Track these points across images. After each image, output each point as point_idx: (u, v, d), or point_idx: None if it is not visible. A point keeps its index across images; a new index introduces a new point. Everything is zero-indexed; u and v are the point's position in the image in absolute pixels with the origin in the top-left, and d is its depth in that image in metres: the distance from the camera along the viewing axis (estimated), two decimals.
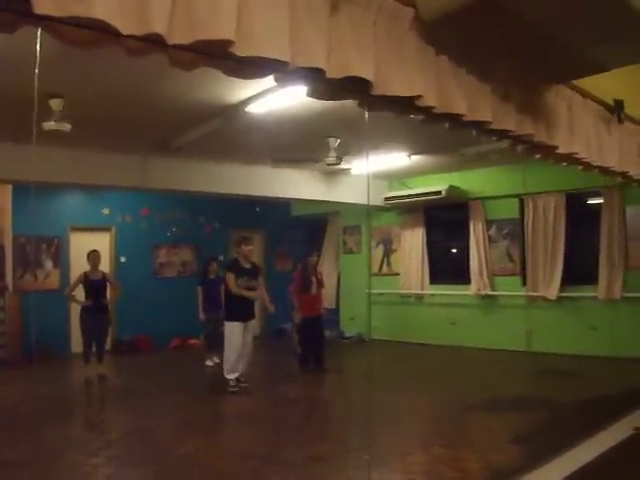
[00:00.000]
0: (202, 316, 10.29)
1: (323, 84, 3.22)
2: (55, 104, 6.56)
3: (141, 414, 7.42)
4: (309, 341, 9.99)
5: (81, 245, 11.36)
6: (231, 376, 8.19)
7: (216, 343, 9.31)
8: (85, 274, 8.94)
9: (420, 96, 3.43)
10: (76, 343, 10.93)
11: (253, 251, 8.90)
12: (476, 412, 7.16)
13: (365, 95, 3.31)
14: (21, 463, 5.42)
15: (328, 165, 9.53)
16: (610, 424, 6.17)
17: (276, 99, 6.74)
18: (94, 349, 8.91)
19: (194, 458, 5.62)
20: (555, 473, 4.95)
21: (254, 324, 8.62)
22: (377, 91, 3.22)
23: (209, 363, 10.24)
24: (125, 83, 6.15)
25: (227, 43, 2.50)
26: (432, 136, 8.07)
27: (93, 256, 9.07)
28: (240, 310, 8.23)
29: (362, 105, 3.69)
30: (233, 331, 8.14)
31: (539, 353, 10.41)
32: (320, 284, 10.20)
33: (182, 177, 10.25)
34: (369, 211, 13.80)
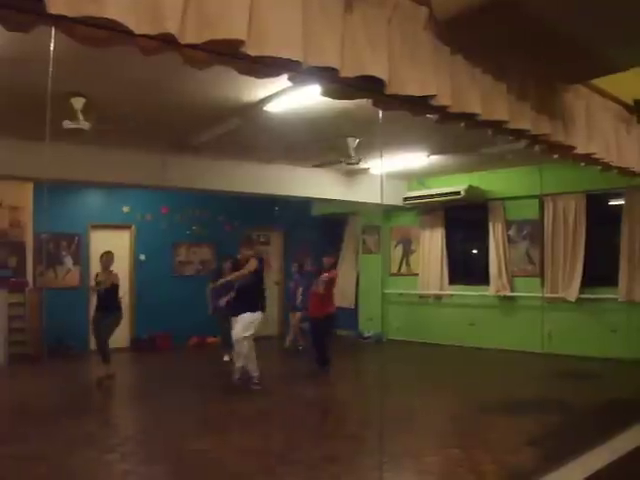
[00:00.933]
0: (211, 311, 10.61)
1: (337, 83, 3.22)
2: (76, 102, 6.62)
3: (157, 411, 7.47)
4: (313, 341, 9.94)
5: (101, 243, 11.46)
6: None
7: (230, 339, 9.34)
8: (96, 276, 9.24)
9: (434, 95, 3.42)
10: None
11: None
12: (492, 414, 7.14)
13: (379, 94, 3.29)
14: (37, 458, 5.47)
15: (348, 165, 9.53)
16: (628, 428, 6.10)
17: (294, 98, 6.74)
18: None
19: (209, 455, 5.65)
20: (570, 477, 4.92)
21: (249, 318, 8.43)
22: (391, 90, 3.21)
23: (226, 358, 10.26)
24: (144, 82, 6.18)
25: (239, 43, 2.50)
26: (451, 136, 8.05)
27: (106, 258, 9.22)
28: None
29: (377, 105, 3.68)
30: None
31: (558, 355, 10.33)
32: (328, 284, 9.88)
33: (201, 176, 10.28)
34: (385, 211, 13.80)
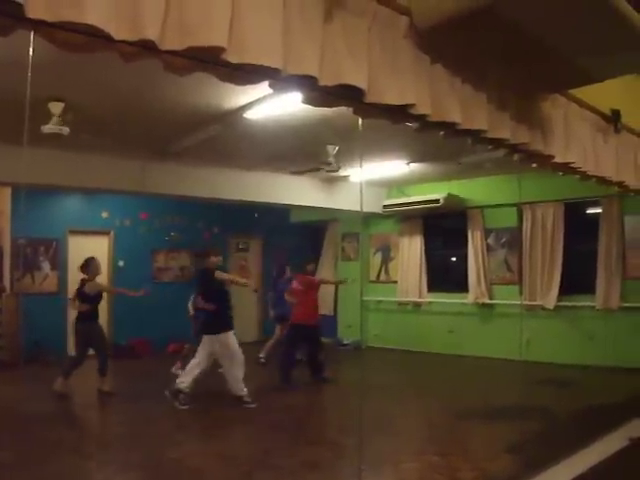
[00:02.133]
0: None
1: (317, 91, 3.23)
2: (54, 107, 6.57)
3: (134, 418, 7.42)
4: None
5: (79, 248, 11.38)
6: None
7: None
8: (82, 282, 8.69)
9: (414, 104, 3.44)
10: (73, 346, 10.96)
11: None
12: (471, 420, 7.17)
13: (359, 103, 3.31)
14: (14, 465, 5.41)
15: (327, 172, 9.54)
16: (606, 434, 6.15)
17: (274, 105, 6.74)
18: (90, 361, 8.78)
19: (186, 463, 5.63)
20: None
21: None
22: (370, 99, 3.23)
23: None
24: (125, 88, 6.16)
25: (219, 50, 2.51)
26: (431, 144, 8.07)
27: (94, 265, 8.83)
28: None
29: (358, 113, 3.69)
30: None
31: (536, 362, 10.39)
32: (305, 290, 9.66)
33: (181, 182, 10.24)
34: (364, 218, 13.82)
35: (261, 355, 11.07)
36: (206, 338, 7.97)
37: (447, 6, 3.32)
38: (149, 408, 7.84)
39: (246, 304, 13.36)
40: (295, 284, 9.83)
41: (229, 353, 7.87)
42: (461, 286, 12.37)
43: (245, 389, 7.89)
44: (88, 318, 8.59)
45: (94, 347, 8.73)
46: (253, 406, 7.78)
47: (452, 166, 10.34)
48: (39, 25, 2.24)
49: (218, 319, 8.00)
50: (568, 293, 10.94)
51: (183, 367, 8.64)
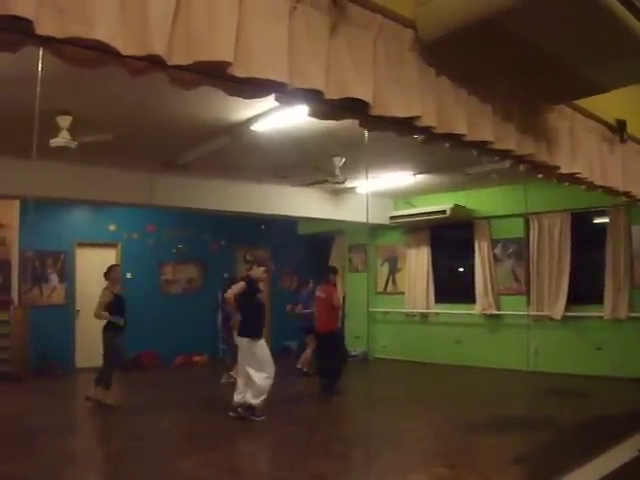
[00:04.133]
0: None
1: (323, 104, 3.25)
2: (63, 121, 6.62)
3: (141, 430, 7.41)
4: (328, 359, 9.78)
5: (87, 261, 11.42)
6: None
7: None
8: (111, 291, 8.62)
9: (419, 116, 3.45)
10: (81, 359, 10.98)
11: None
12: (479, 432, 7.13)
13: (364, 115, 3.33)
14: (20, 477, 5.41)
15: (333, 184, 9.56)
16: (614, 445, 6.11)
17: (281, 118, 6.78)
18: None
19: (193, 475, 5.61)
20: None
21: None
22: (376, 112, 3.24)
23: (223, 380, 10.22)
24: (133, 101, 6.20)
25: (225, 64, 2.54)
26: (437, 155, 8.09)
27: (115, 271, 8.86)
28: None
29: (363, 125, 3.71)
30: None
31: (544, 373, 10.34)
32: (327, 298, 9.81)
33: (188, 195, 10.28)
34: (371, 229, 13.83)
35: (301, 367, 11.15)
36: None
37: (451, 19, 3.34)
38: (156, 420, 7.83)
39: None
40: (319, 292, 9.95)
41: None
42: (468, 297, 12.35)
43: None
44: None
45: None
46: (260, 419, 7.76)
47: (458, 177, 10.35)
48: (48, 41, 2.28)
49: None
50: (576, 303, 10.90)
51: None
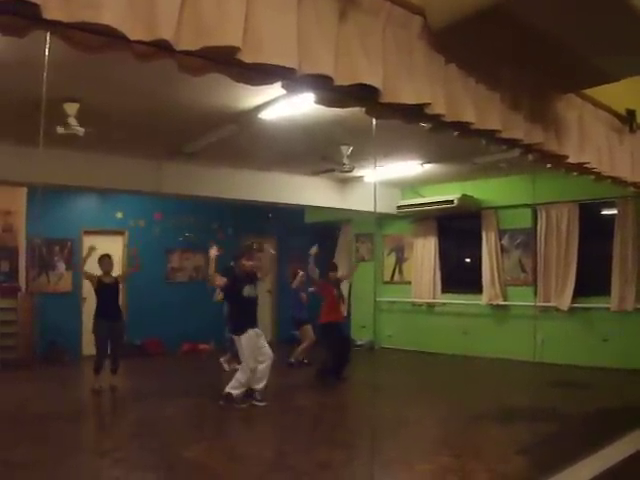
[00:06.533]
0: None
1: (331, 92, 3.23)
2: (70, 108, 6.61)
3: (149, 417, 7.44)
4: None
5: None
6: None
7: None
8: (99, 278, 8.78)
9: (429, 104, 3.44)
10: (87, 346, 10.99)
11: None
12: (484, 422, 7.14)
13: (373, 103, 3.31)
14: (28, 464, 5.44)
15: (341, 173, 9.55)
16: (619, 437, 6.11)
17: (289, 106, 6.76)
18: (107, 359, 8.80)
19: (200, 462, 5.64)
20: None
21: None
22: (385, 99, 3.22)
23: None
24: (140, 88, 6.19)
25: (234, 50, 2.52)
26: (445, 145, 8.07)
27: (106, 262, 8.90)
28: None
29: (370, 113, 3.69)
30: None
31: (550, 364, 10.34)
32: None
33: (196, 183, 10.29)
34: (378, 219, 13.81)
35: (298, 359, 11.08)
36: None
37: (460, 6, 3.32)
38: (163, 407, 7.86)
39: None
40: (315, 288, 10.18)
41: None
42: (475, 287, 12.33)
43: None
44: None
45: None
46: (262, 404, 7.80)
47: (466, 167, 10.32)
48: (55, 26, 2.26)
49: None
50: (583, 294, 10.88)
51: None
